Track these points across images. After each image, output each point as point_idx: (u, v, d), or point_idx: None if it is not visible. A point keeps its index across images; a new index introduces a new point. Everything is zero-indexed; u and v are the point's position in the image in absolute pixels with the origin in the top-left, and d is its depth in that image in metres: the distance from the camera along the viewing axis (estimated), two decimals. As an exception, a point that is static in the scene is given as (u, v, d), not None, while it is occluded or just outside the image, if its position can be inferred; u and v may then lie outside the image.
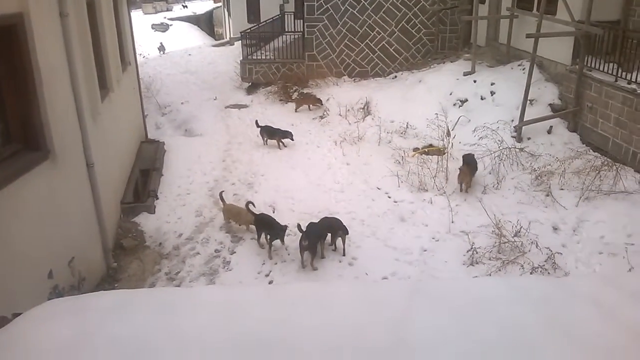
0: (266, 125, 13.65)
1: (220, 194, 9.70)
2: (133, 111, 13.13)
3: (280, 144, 13.31)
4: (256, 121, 13.78)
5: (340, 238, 8.55)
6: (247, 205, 9.12)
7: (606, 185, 9.35)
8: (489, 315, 2.81)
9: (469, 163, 10.41)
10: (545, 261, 7.67)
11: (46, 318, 2.89)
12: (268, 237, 8.66)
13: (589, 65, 11.39)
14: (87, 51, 8.16)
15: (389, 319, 2.78)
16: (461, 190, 10.28)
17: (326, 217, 8.93)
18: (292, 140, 13.36)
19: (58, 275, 6.38)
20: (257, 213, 9.05)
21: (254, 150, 13.29)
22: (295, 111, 16.15)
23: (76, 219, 7.20)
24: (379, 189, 10.70)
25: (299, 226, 8.32)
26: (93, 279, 7.62)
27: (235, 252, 8.71)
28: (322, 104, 15.94)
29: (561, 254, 7.86)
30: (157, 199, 10.49)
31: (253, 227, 9.04)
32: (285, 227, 8.64)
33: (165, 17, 43.20)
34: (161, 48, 28.40)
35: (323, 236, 8.53)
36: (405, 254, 8.43)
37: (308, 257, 8.15)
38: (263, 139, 13.50)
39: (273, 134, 13.38)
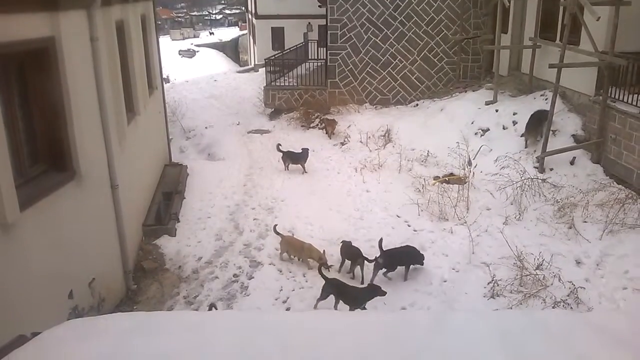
0: (288, 151, 13.75)
1: (275, 227, 9.53)
2: (158, 135, 13.35)
3: (303, 169, 13.39)
4: (277, 145, 13.85)
5: (359, 266, 8.52)
6: (320, 269, 8.00)
7: (631, 218, 9.16)
8: (508, 349, 2.77)
9: (529, 126, 12.38)
10: (568, 295, 7.51)
11: (65, 338, 2.91)
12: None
13: (612, 96, 11.27)
14: (116, 75, 8.35)
15: (405, 349, 2.76)
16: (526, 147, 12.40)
17: (345, 241, 8.92)
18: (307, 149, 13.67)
19: (78, 296, 6.46)
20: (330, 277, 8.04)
21: (274, 175, 13.37)
22: (330, 138, 16.18)
23: (99, 239, 7.30)
24: (398, 217, 10.64)
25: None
26: (113, 300, 7.68)
27: (253, 278, 8.71)
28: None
29: (584, 288, 7.68)
30: (179, 221, 10.59)
31: (311, 261, 8.73)
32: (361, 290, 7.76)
33: (192, 44, 44.24)
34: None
35: (341, 263, 8.61)
36: (425, 284, 8.34)
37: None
38: (285, 164, 13.58)
39: (296, 159, 13.48)
